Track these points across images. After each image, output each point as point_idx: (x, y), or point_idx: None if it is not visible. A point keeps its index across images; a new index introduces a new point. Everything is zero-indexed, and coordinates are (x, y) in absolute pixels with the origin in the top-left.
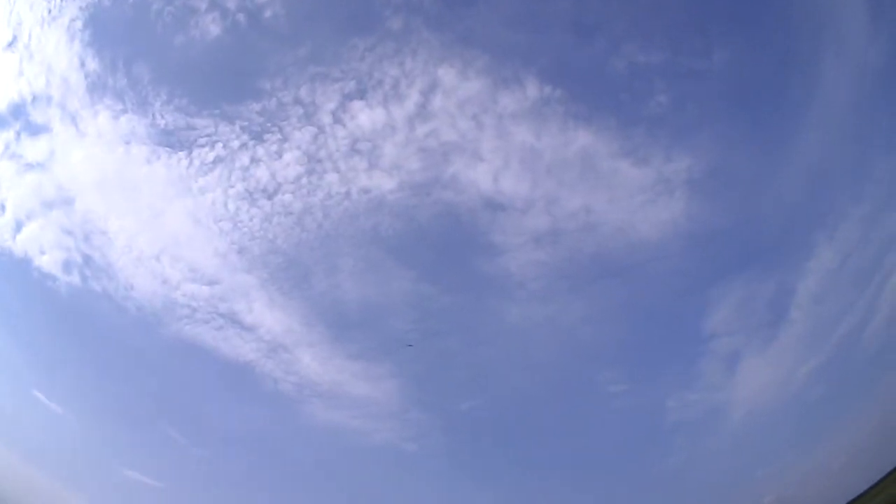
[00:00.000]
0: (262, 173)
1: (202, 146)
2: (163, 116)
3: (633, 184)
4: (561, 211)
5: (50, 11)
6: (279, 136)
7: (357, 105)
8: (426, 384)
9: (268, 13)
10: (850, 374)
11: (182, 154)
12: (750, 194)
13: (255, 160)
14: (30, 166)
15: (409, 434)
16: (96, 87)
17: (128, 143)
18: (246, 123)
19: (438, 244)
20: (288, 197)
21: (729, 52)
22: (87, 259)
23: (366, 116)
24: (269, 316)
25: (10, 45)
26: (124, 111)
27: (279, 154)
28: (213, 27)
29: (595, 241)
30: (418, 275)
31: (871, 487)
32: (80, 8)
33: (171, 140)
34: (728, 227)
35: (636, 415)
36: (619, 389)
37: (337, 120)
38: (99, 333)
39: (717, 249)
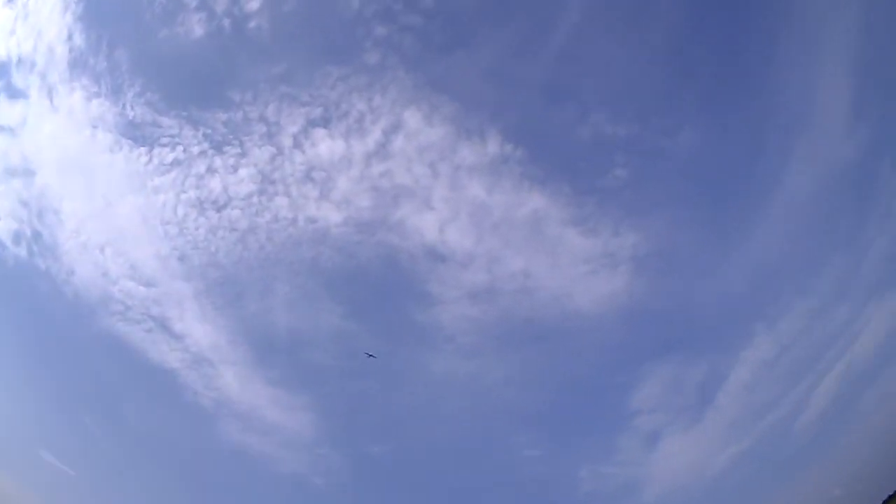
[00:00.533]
0: (215, 184)
1: (163, 146)
2: (132, 108)
3: (578, 253)
4: (501, 270)
5: None
6: (238, 150)
7: (319, 133)
8: (340, 422)
9: (252, 24)
10: (777, 462)
11: (143, 150)
12: (695, 278)
13: (211, 170)
14: (1, 129)
15: (317, 468)
16: (77, 64)
17: (95, 127)
18: (209, 131)
19: (374, 285)
20: (236, 213)
21: (698, 134)
22: (37, 235)
23: (325, 146)
24: (198, 328)
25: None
26: (98, 94)
27: (235, 168)
28: (197, 27)
29: (531, 305)
30: (349, 312)
31: None
32: None
33: (136, 134)
34: (668, 308)
35: (549, 481)
36: (534, 454)
37: (297, 144)
38: (35, 311)
39: (653, 328)
